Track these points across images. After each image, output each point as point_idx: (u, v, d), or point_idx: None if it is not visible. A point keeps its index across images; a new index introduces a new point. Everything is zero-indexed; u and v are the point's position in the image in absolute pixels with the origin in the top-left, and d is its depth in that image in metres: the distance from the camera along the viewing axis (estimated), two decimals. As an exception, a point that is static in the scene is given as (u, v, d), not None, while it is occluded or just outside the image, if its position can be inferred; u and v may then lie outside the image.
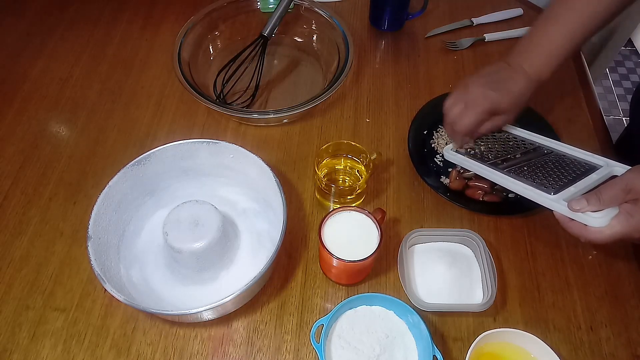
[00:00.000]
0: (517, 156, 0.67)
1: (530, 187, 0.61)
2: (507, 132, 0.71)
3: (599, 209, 0.53)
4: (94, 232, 0.58)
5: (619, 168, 0.60)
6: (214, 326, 0.62)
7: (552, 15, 0.65)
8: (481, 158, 0.67)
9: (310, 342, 0.60)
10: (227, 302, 0.54)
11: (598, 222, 0.53)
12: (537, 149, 0.67)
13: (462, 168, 0.72)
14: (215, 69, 0.85)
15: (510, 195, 0.71)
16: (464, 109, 0.64)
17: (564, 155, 0.65)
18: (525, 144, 0.69)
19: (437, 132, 0.79)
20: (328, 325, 0.57)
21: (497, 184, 0.65)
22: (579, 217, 0.55)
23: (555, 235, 0.69)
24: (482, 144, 0.70)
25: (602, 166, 0.61)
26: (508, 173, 0.63)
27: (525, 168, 0.64)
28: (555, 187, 0.59)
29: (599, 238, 0.53)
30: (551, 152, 0.66)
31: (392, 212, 0.71)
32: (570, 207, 0.55)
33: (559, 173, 0.62)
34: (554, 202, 0.58)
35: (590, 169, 0.62)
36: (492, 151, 0.68)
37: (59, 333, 0.61)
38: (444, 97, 0.80)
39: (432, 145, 0.78)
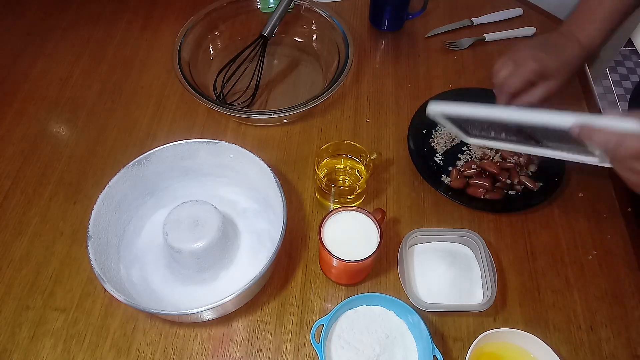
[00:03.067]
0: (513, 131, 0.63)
1: (546, 118, 0.53)
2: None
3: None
4: (94, 232, 0.58)
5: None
6: (214, 326, 0.62)
7: None
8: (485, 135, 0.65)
9: (310, 342, 0.60)
10: (227, 302, 0.54)
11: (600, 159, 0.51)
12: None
13: (462, 166, 0.71)
14: (215, 69, 0.85)
15: (510, 193, 0.72)
16: (513, 69, 0.63)
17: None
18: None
19: (436, 131, 0.79)
20: (328, 325, 0.57)
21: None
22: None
23: (555, 235, 0.69)
24: (476, 127, 0.67)
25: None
26: (512, 136, 0.60)
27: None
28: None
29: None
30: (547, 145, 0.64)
31: (392, 212, 0.71)
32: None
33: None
34: (570, 117, 0.51)
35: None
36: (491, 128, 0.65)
37: (59, 333, 0.61)
38: (443, 95, 0.81)
39: (432, 145, 0.78)
